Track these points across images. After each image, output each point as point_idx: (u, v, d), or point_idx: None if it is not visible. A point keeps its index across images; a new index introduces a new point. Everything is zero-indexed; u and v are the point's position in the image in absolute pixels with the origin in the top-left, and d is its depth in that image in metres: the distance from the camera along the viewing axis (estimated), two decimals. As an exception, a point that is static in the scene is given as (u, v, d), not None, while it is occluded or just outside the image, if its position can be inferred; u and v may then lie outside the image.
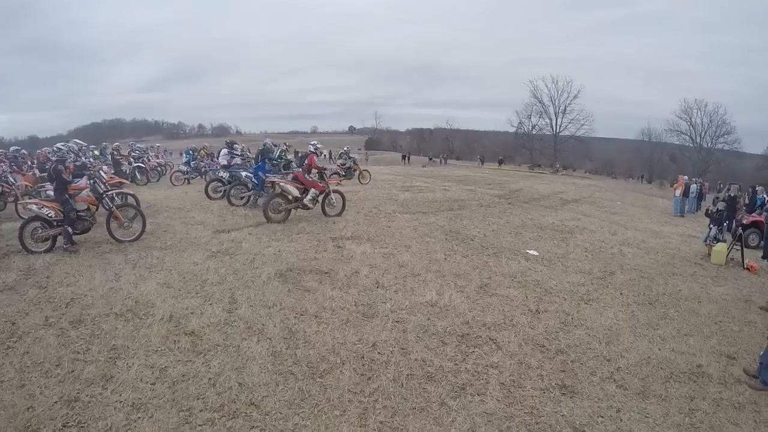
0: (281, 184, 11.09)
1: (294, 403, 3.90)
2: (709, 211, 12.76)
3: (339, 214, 12.00)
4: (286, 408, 3.82)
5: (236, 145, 17.12)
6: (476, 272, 7.86)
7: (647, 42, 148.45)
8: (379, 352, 4.89)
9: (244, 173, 13.90)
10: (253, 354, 4.67)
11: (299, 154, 22.34)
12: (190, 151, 21.27)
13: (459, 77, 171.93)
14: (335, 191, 12.26)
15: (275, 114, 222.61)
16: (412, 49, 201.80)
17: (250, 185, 13.20)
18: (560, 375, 4.71)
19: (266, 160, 13.21)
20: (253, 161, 15.41)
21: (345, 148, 21.28)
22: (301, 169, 12.03)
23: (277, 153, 15.10)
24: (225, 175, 14.44)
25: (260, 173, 12.71)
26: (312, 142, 12.75)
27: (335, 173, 17.18)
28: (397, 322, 5.67)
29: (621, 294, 7.38)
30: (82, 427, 3.50)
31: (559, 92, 70.97)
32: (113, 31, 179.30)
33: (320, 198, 11.71)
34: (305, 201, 11.26)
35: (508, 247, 9.80)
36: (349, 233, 10.02)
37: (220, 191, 14.19)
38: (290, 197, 11.13)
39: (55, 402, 3.74)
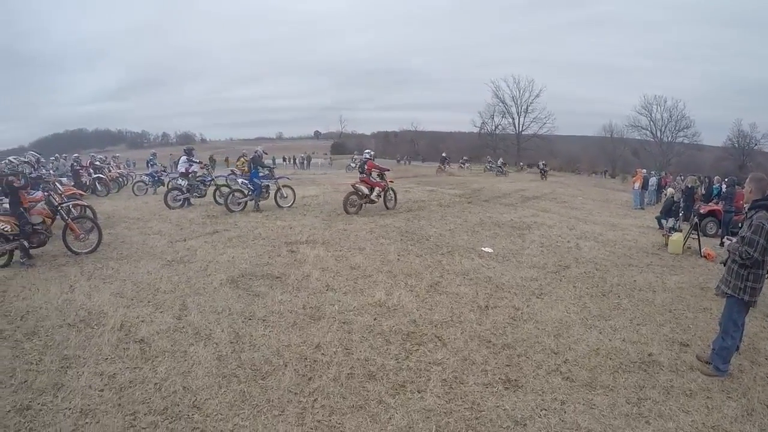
0: (356, 185, 13.61)
1: (235, 404, 4.04)
2: (666, 198, 13.31)
3: (394, 207, 14.57)
4: (227, 409, 3.96)
5: (194, 152, 16.82)
6: (428, 271, 8.00)
7: (606, 42, 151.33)
8: (322, 353, 5.02)
9: (240, 180, 14.59)
10: (199, 359, 4.81)
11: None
12: (152, 158, 21.05)
13: (423, 80, 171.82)
14: (391, 188, 14.73)
15: (240, 120, 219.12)
16: (375, 53, 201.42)
17: (246, 191, 13.72)
18: (505, 369, 4.76)
19: (259, 168, 13.99)
20: (210, 169, 15.55)
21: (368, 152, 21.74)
22: (363, 174, 14.03)
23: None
24: (183, 183, 14.42)
25: (255, 179, 13.62)
26: (367, 150, 15.89)
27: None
28: (344, 323, 5.80)
29: (574, 287, 7.52)
30: None
31: (521, 92, 72.53)
32: (74, 39, 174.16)
33: (382, 194, 14.11)
34: (372, 197, 13.69)
35: (463, 245, 9.97)
36: (304, 238, 10.14)
37: (180, 200, 14.22)
38: (362, 194, 13.50)
39: (8, 411, 3.88)
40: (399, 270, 8.03)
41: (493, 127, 75.91)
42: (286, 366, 4.73)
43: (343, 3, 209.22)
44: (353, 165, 26.54)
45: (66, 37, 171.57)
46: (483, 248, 9.75)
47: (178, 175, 15.05)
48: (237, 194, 13.71)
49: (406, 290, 7.03)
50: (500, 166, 41.14)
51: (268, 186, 13.89)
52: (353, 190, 13.57)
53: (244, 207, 13.62)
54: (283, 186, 14.56)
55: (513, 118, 74.37)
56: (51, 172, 14.77)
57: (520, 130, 74.19)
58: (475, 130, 78.08)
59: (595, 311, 6.54)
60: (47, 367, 4.62)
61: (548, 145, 71.79)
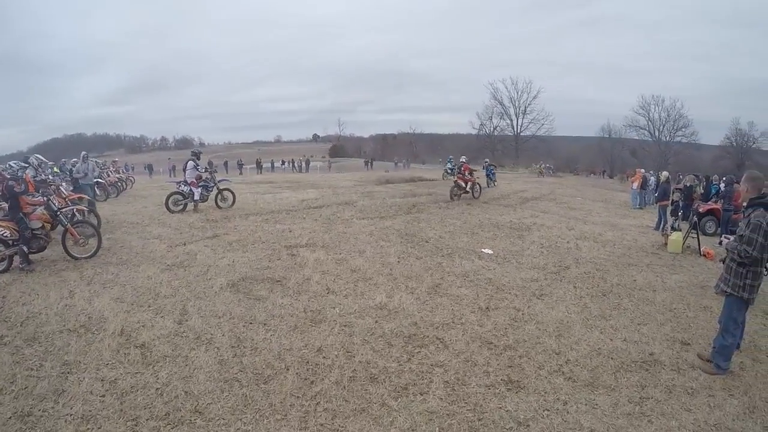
0: (458, 180, 18.86)
1: (237, 409, 4.04)
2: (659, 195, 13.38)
3: (478, 198, 19.11)
4: (230, 414, 3.96)
5: (201, 155, 16.59)
6: (428, 274, 8.01)
7: (605, 42, 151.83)
8: (324, 357, 5.02)
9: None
10: (200, 363, 4.81)
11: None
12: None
13: (422, 82, 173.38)
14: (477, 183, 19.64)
15: (239, 124, 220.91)
16: (375, 56, 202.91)
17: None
18: (507, 371, 4.77)
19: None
20: (214, 174, 15.53)
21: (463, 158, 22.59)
22: (459, 173, 19.30)
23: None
24: (186, 188, 14.38)
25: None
26: (463, 157, 20.67)
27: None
28: (345, 326, 5.80)
29: (574, 287, 7.54)
30: None
31: (519, 93, 72.98)
32: (75, 43, 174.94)
33: (472, 187, 19.02)
34: (468, 188, 18.80)
35: (463, 247, 9.98)
36: (304, 241, 10.14)
37: (181, 204, 14.23)
38: (461, 187, 18.66)
39: (9, 417, 3.88)
40: (399, 273, 8.03)
41: (492, 129, 76.08)
42: (287, 370, 4.73)
43: (342, 6, 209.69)
44: (450, 167, 28.98)
45: (66, 41, 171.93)
46: (483, 250, 9.76)
47: (188, 183, 14.74)
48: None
49: (406, 293, 7.04)
50: (549, 167, 40.72)
51: (455, 180, 19.28)
52: (455, 185, 18.79)
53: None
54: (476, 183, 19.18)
55: (511, 120, 74.76)
56: (51, 177, 14.62)
57: (519, 131, 74.41)
58: (473, 131, 78.29)
59: (596, 311, 6.55)
60: (48, 372, 4.61)
61: (546, 145, 71.98)
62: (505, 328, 5.85)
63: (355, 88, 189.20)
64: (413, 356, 5.09)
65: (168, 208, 14.12)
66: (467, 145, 76.68)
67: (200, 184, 14.44)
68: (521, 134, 75.22)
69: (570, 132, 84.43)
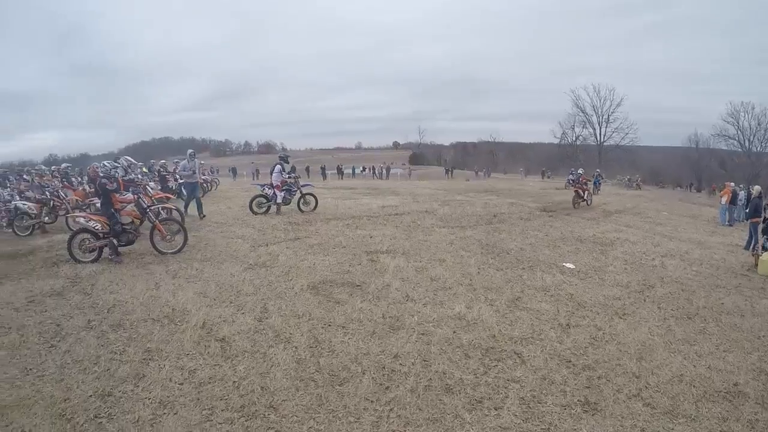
0: (578, 190, 20.92)
1: (311, 408, 4.05)
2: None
3: (590, 205, 21.19)
4: (303, 412, 3.98)
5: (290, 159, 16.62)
6: (509, 286, 7.82)
7: (687, 46, 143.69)
8: (400, 363, 4.97)
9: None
10: (278, 360, 4.88)
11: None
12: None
13: (501, 89, 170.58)
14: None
15: (319, 131, 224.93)
16: (452, 62, 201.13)
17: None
18: (584, 391, 4.60)
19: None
20: (298, 178, 15.83)
21: (581, 170, 25.57)
22: (578, 183, 22.14)
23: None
24: (270, 191, 14.78)
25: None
26: (581, 169, 25.85)
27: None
28: (423, 334, 5.72)
29: (659, 308, 7.16)
30: (111, 418, 3.84)
31: (602, 101, 70.14)
32: (162, 53, 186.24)
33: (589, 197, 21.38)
34: (585, 197, 20.82)
35: (544, 260, 9.70)
36: (385, 247, 10.14)
37: (264, 206, 14.68)
38: (580, 196, 20.57)
39: (90, 395, 4.12)
40: (479, 283, 7.87)
41: (574, 138, 73.70)
42: (364, 374, 4.71)
43: (419, 13, 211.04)
44: (572, 177, 29.61)
45: (153, 51, 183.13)
46: (565, 264, 9.43)
47: (273, 186, 15.15)
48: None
49: (486, 304, 6.89)
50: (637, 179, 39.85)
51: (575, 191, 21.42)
52: (575, 194, 20.75)
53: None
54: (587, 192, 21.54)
55: (594, 129, 71.92)
56: (139, 176, 15.42)
57: (602, 140, 71.55)
58: (554, 140, 76.13)
59: (680, 335, 6.18)
60: (130, 357, 4.87)
61: (630, 156, 68.63)
62: (585, 347, 5.62)
63: (433, 96, 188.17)
64: (490, 369, 4.97)
65: (252, 210, 14.62)
66: (549, 154, 75.11)
67: (284, 187, 14.81)
68: (604, 144, 72.18)
69: (651, 141, 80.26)
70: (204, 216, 13.85)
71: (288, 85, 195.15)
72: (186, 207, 13.80)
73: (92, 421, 3.81)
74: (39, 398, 4.14)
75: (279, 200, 14.55)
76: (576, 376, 4.93)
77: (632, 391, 4.65)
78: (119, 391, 4.20)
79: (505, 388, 4.60)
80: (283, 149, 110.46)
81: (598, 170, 31.81)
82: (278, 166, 14.88)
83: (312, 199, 15.65)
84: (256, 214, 14.45)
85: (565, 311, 6.80)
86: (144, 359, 4.83)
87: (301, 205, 15.31)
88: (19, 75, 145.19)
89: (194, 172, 14.61)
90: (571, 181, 30.41)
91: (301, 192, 15.37)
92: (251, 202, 14.86)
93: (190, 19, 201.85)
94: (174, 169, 20.87)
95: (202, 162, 31.73)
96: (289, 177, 15.21)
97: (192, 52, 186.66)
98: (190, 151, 15.73)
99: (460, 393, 4.46)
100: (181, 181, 15.49)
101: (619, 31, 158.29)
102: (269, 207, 14.72)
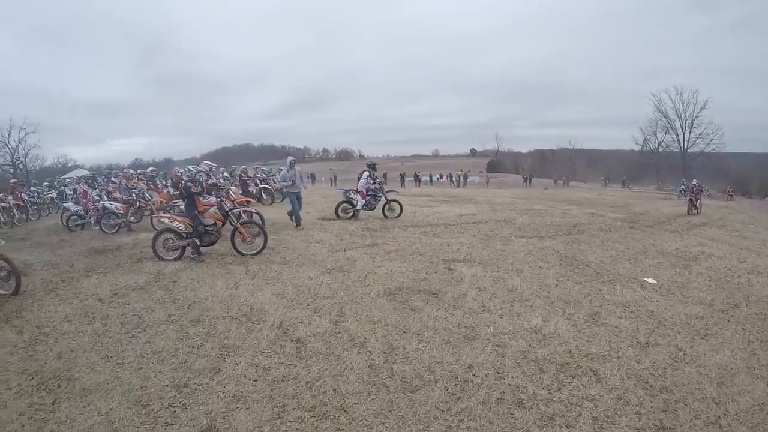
0: (692, 199, 21.85)
1: (381, 413, 4.09)
2: None
3: (698, 213, 21.67)
4: (373, 417, 4.03)
5: (377, 166, 16.68)
6: (587, 300, 7.57)
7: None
8: (473, 374, 4.92)
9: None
10: (351, 364, 4.95)
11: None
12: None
13: (579, 95, 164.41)
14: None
15: (396, 138, 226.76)
16: (528, 68, 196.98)
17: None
18: (660, 415, 4.42)
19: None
20: (383, 185, 16.05)
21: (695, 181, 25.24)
22: (692, 193, 22.43)
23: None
24: (354, 196, 15.10)
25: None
26: (695, 180, 24.37)
27: None
28: (498, 346, 5.65)
29: (743, 329, 6.73)
30: (185, 408, 4.07)
31: (685, 104, 65.84)
32: (242, 63, 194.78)
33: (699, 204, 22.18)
34: (697, 206, 21.83)
35: (624, 274, 9.30)
36: (462, 256, 10.06)
37: (350, 212, 15.07)
38: (694, 205, 21.70)
39: (166, 385, 4.39)
40: (557, 296, 7.67)
41: (656, 145, 70.06)
42: (436, 382, 4.70)
43: (496, 18, 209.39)
44: (684, 188, 31.82)
45: (232, 61, 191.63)
46: (646, 279, 8.99)
47: (357, 192, 15.48)
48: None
49: (563, 318, 6.70)
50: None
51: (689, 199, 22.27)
52: (689, 203, 21.86)
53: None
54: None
55: (677, 134, 67.87)
56: (221, 180, 16.07)
57: (686, 147, 67.48)
58: (636, 147, 72.61)
59: (765, 360, 5.74)
60: (207, 352, 5.14)
61: (716, 164, 64.20)
62: (664, 368, 5.34)
63: (511, 102, 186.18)
64: (564, 386, 4.82)
65: (337, 215, 15.05)
66: (630, 162, 71.99)
67: (368, 194, 15.09)
68: (688, 150, 67.95)
69: (736, 147, 74.82)
70: (301, 228, 13.06)
71: (365, 93, 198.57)
72: (295, 219, 13.35)
73: (167, 409, 4.06)
74: (117, 384, 4.48)
75: (359, 206, 14.77)
76: (652, 398, 4.73)
77: (710, 418, 4.43)
78: (195, 383, 4.44)
79: (579, 406, 4.47)
80: (361, 156, 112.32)
81: (696, 181, 30.87)
82: (366, 173, 15.12)
83: (397, 205, 15.78)
84: (341, 218, 14.83)
85: (644, 329, 6.51)
86: (221, 354, 5.07)
87: (386, 212, 15.51)
88: (109, 86, 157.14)
89: (294, 182, 13.57)
90: (683, 192, 31.51)
91: (386, 198, 15.56)
92: (337, 207, 15.26)
93: (268, 30, 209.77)
94: (254, 175, 21.68)
95: (281, 168, 32.64)
96: (374, 183, 15.42)
97: (271, 61, 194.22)
98: (290, 158, 14.32)
99: (532, 408, 4.37)
100: (284, 190, 14.89)
101: (700, 29, 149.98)
102: (354, 213, 15.07)
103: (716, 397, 4.78)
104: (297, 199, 13.45)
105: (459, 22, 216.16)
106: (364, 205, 14.94)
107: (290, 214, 13.59)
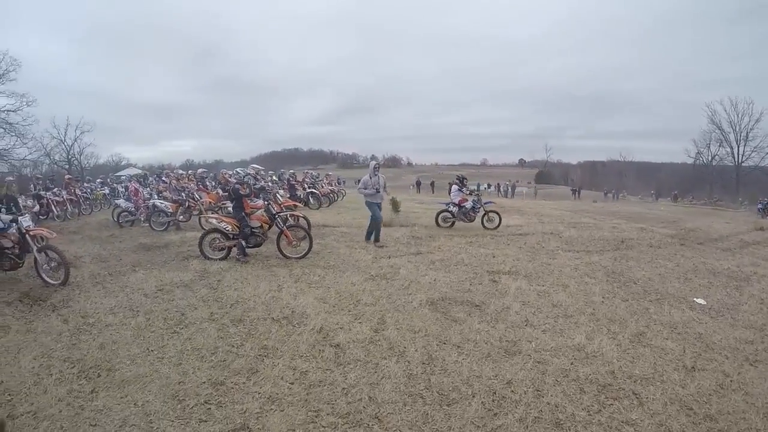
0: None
1: (416, 424, 4.04)
2: None
3: None
4: (407, 428, 3.98)
5: (466, 180, 16.72)
6: (633, 319, 7.32)
7: None
8: (512, 390, 4.83)
9: None
10: (389, 373, 4.92)
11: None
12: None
13: (630, 105, 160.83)
14: None
15: (445, 146, 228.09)
16: (578, 77, 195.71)
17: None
18: None
19: None
20: (479, 196, 16.31)
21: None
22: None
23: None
24: (454, 208, 15.54)
25: None
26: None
27: None
28: (539, 362, 5.52)
29: None
30: (220, 406, 4.14)
31: (740, 116, 63.24)
32: (292, 69, 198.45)
33: None
34: None
35: (673, 293, 8.94)
36: (507, 268, 9.92)
37: (450, 221, 15.60)
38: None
39: (203, 382, 4.49)
40: (602, 314, 7.44)
41: (710, 158, 67.50)
42: (473, 397, 4.62)
43: (544, 27, 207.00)
44: (762, 206, 33.51)
45: (283, 68, 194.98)
46: (695, 299, 8.63)
47: (456, 204, 15.75)
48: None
49: (607, 337, 6.48)
50: None
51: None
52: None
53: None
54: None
55: (731, 147, 65.21)
56: (269, 184, 16.41)
57: (740, 160, 64.76)
58: (689, 160, 70.20)
59: None
60: (247, 352, 5.22)
61: None
62: (709, 395, 5.09)
63: (560, 112, 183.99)
64: (604, 408, 4.66)
65: (437, 224, 15.58)
66: (682, 175, 69.82)
67: (464, 205, 15.48)
68: (743, 164, 65.15)
69: None
70: (381, 245, 11.65)
71: (414, 100, 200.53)
72: (375, 234, 12.02)
73: (202, 405, 4.15)
74: (156, 377, 4.62)
75: (457, 215, 15.45)
76: (695, 425, 4.51)
77: (753, 451, 4.23)
78: (231, 382, 4.52)
79: (618, 430, 4.31)
80: (408, 164, 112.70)
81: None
82: (455, 186, 15.78)
83: (495, 216, 15.83)
84: (440, 227, 15.32)
85: (691, 352, 6.23)
86: (259, 355, 5.14)
87: (485, 222, 15.59)
88: (163, 89, 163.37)
89: (378, 190, 11.79)
90: (760, 209, 33.17)
91: (484, 209, 15.66)
92: (437, 216, 15.73)
93: (321, 37, 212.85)
94: (302, 179, 22.04)
95: (329, 173, 32.88)
96: (469, 194, 15.84)
97: (320, 68, 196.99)
98: (374, 163, 12.23)
99: (569, 429, 4.24)
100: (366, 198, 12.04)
101: (757, 37, 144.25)
102: (453, 222, 15.47)
103: (762, 429, 4.55)
104: (378, 210, 11.89)
105: (509, 29, 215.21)
106: (462, 216, 15.38)
107: (370, 231, 12.07)
